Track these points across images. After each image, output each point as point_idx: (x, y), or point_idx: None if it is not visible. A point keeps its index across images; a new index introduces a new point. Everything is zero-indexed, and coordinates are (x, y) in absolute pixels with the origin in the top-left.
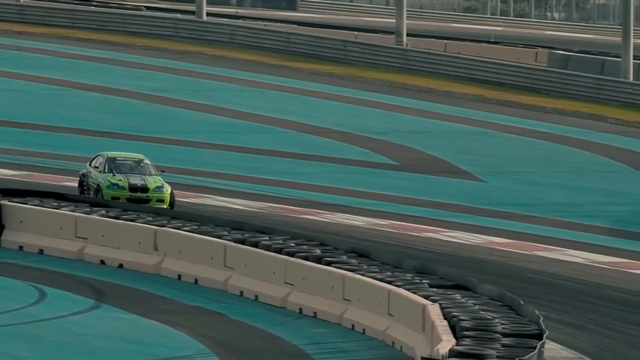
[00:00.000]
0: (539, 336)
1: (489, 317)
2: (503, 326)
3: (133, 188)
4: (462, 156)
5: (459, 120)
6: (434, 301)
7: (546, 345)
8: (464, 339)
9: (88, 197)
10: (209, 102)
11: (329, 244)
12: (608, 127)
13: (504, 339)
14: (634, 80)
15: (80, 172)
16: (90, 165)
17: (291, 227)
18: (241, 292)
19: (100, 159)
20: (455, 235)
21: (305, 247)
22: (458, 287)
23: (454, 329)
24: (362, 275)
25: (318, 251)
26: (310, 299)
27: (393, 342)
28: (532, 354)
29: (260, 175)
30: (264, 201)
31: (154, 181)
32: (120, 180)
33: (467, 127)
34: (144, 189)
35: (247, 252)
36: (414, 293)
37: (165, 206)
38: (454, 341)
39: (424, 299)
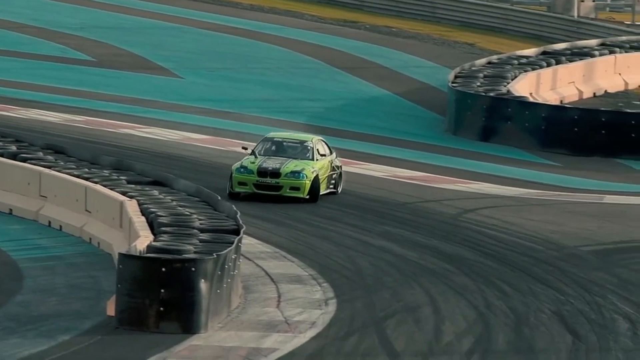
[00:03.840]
0: (236, 232)
1: (187, 213)
2: (201, 222)
3: (262, 172)
4: (158, 52)
5: (155, 16)
6: (131, 197)
7: (243, 240)
8: (162, 235)
9: None
10: None
11: (24, 140)
12: (304, 24)
13: (201, 234)
14: None
15: None
16: None
17: None
18: None
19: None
20: (152, 132)
21: (0, 143)
22: (155, 183)
23: (151, 225)
24: (59, 171)
25: (14, 147)
26: (6, 196)
27: (90, 239)
28: (229, 249)
29: None
30: None
31: (294, 166)
32: (252, 163)
33: (163, 23)
34: (275, 173)
35: None
36: (112, 189)
37: (302, 195)
38: (151, 237)
39: (121, 195)
